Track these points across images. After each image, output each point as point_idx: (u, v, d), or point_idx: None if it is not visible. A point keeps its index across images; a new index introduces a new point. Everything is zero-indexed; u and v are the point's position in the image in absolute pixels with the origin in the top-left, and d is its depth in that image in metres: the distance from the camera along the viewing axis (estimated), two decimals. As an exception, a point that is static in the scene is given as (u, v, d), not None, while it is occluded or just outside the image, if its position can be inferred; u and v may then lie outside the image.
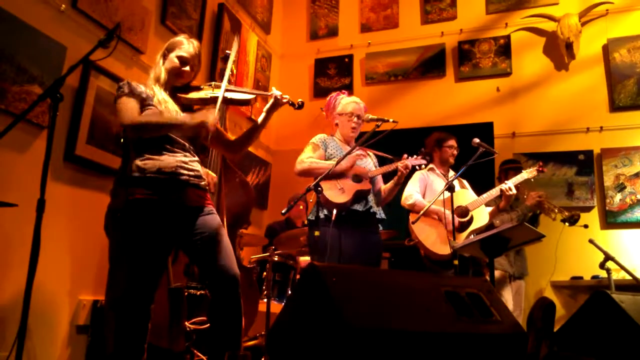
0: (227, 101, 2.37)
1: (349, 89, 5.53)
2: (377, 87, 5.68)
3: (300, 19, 6.22)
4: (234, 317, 2.14)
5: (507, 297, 3.74)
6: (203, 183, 2.28)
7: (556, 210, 3.73)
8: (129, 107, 2.18)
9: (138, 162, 2.17)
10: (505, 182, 3.52)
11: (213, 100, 2.35)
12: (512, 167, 4.02)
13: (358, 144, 2.97)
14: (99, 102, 3.40)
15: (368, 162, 3.19)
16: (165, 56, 2.35)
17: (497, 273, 3.77)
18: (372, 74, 5.74)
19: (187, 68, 2.34)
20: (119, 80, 3.51)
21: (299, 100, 2.50)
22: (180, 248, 2.37)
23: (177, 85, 2.36)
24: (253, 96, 2.43)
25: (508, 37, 5.33)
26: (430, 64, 5.56)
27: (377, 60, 5.74)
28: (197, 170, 2.27)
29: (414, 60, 5.61)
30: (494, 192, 3.53)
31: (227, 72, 2.41)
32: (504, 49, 5.31)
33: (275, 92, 2.43)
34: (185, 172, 2.20)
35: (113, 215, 2.65)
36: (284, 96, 2.42)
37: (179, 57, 2.33)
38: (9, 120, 2.18)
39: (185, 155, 2.24)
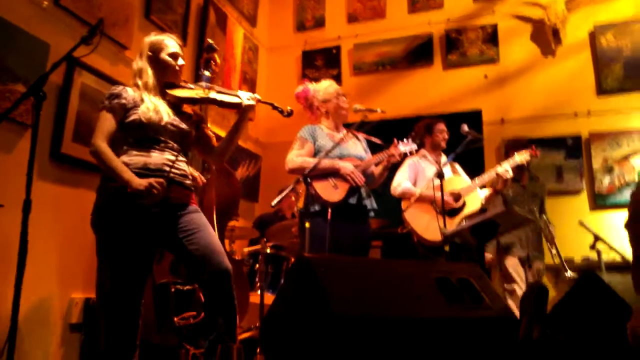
0: (218, 103, 2.35)
1: (337, 79, 5.51)
2: (365, 77, 5.68)
3: (286, 10, 6.19)
4: (229, 310, 2.15)
5: (521, 283, 3.80)
6: (188, 182, 2.29)
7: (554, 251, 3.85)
8: (102, 127, 2.18)
9: (124, 158, 2.17)
10: (501, 163, 3.51)
11: (203, 101, 2.35)
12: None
13: (349, 132, 2.97)
14: (84, 99, 3.37)
15: (358, 147, 3.18)
16: (152, 59, 2.33)
17: (509, 258, 3.90)
18: (360, 64, 5.73)
19: (182, 62, 2.37)
20: (104, 77, 3.51)
21: (288, 108, 2.50)
22: (164, 247, 2.36)
23: (171, 81, 2.35)
24: (239, 100, 2.39)
25: (495, 25, 5.32)
26: (418, 53, 5.55)
27: (364, 51, 5.73)
28: (184, 170, 2.28)
29: (401, 49, 5.60)
30: (485, 177, 3.53)
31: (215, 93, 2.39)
32: (491, 36, 5.31)
33: (246, 96, 2.39)
34: (171, 170, 2.20)
35: (98, 212, 2.65)
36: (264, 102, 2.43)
37: (172, 55, 2.34)
38: (-8, 120, 2.15)
39: (173, 155, 2.25)
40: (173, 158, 2.24)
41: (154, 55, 2.33)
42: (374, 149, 3.26)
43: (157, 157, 2.19)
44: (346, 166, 2.98)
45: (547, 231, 3.89)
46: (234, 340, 2.11)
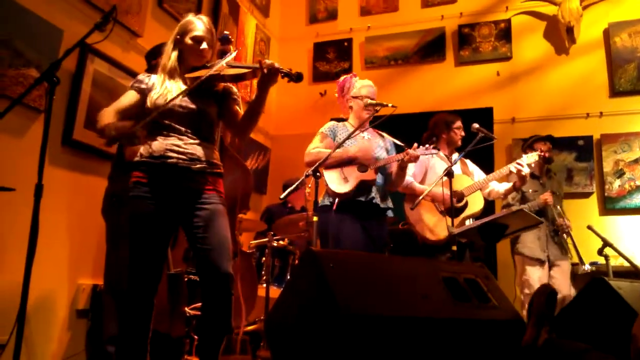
0: (226, 78, 2.28)
1: (349, 73, 5.48)
2: (376, 71, 5.63)
3: (299, 2, 6.15)
4: (223, 313, 2.13)
5: (534, 283, 3.72)
6: (198, 166, 2.19)
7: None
8: (118, 101, 2.24)
9: (141, 150, 2.18)
10: (520, 162, 3.40)
11: (210, 79, 2.24)
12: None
13: (358, 126, 2.97)
14: (96, 86, 3.38)
15: (379, 147, 3.16)
16: (178, 41, 2.30)
17: (527, 260, 3.82)
18: (371, 58, 5.70)
19: (205, 46, 2.30)
20: (116, 64, 3.52)
21: (297, 71, 2.26)
22: (184, 231, 2.33)
23: (197, 65, 2.31)
24: (247, 71, 2.25)
25: (509, 20, 5.28)
26: (430, 48, 5.51)
27: (376, 44, 5.70)
28: (192, 154, 2.19)
29: (413, 44, 5.57)
30: (490, 177, 3.51)
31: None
32: (505, 32, 5.27)
33: (267, 62, 2.22)
34: (175, 155, 2.15)
35: (110, 199, 2.65)
36: (278, 66, 2.20)
37: (194, 38, 2.28)
38: (5, 104, 2.16)
39: (180, 139, 2.19)
40: (179, 142, 2.18)
41: (180, 38, 2.30)
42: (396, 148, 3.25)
43: (160, 144, 2.16)
44: (355, 149, 3.00)
45: (562, 221, 3.84)
46: (229, 332, 2.11)
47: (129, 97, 2.24)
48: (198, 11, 4.51)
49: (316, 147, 3.07)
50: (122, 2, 3.62)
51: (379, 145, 3.18)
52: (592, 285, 2.11)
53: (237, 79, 2.31)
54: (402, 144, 3.13)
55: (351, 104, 3.23)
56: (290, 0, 6.17)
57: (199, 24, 2.30)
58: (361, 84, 3.24)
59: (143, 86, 2.25)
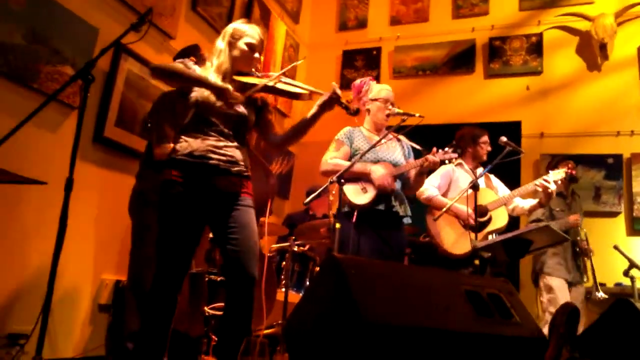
0: (279, 92, 2.31)
1: (376, 81, 5.48)
2: (404, 81, 5.64)
3: (329, 9, 6.20)
4: (245, 313, 2.13)
5: (561, 302, 3.68)
6: (236, 169, 2.20)
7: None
8: (172, 62, 2.25)
9: (176, 146, 2.18)
10: (546, 179, 3.32)
11: (264, 88, 2.27)
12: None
13: (382, 136, 2.94)
14: (129, 86, 3.44)
15: (396, 152, 3.14)
16: (231, 44, 2.31)
17: (555, 280, 3.80)
18: (400, 67, 5.69)
19: (257, 55, 2.33)
20: (149, 64, 3.57)
21: (355, 106, 2.35)
22: (212, 230, 2.34)
23: (243, 70, 2.32)
24: (304, 92, 2.28)
25: (540, 35, 5.23)
26: (460, 60, 5.49)
27: (405, 54, 5.70)
28: (231, 156, 2.20)
29: (443, 55, 5.55)
30: (515, 193, 3.46)
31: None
32: (536, 47, 5.22)
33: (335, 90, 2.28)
34: (216, 156, 2.15)
35: (138, 197, 2.67)
36: (340, 97, 2.27)
37: (248, 44, 2.30)
38: (41, 100, 2.21)
39: (220, 140, 2.19)
40: (220, 144, 2.18)
41: (234, 41, 2.31)
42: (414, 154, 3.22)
43: (200, 143, 2.15)
44: (376, 171, 2.93)
45: (586, 244, 3.80)
46: (249, 334, 2.11)
47: (180, 66, 2.23)
48: (230, 15, 4.58)
49: (333, 157, 3.04)
50: (157, 4, 3.70)
51: (397, 150, 3.16)
52: (616, 306, 2.07)
53: (291, 96, 2.33)
54: (420, 148, 3.09)
55: (369, 107, 3.18)
56: (321, 8, 6.22)
57: (254, 32, 2.33)
58: (380, 87, 3.22)
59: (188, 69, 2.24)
